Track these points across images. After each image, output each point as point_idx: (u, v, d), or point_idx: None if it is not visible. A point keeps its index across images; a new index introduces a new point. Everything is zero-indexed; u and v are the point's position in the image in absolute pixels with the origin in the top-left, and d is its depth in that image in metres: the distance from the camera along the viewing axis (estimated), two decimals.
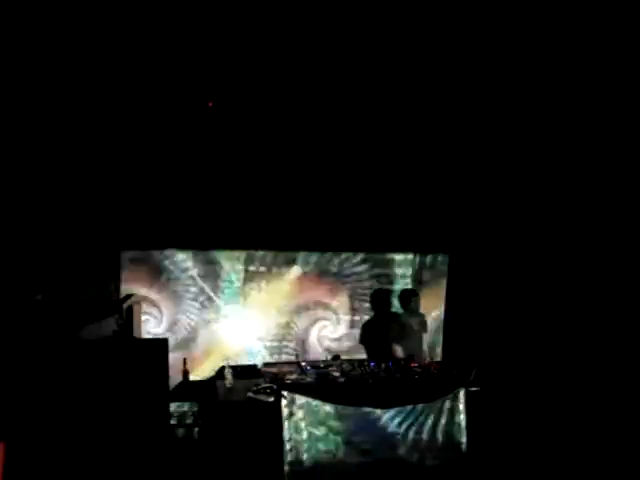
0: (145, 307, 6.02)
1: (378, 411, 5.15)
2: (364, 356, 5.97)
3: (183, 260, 6.35)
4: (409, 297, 6.34)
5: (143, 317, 5.93)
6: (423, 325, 6.40)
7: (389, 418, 5.19)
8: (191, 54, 4.96)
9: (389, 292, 6.71)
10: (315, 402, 5.06)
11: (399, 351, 6.01)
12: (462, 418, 5.33)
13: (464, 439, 5.32)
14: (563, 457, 5.38)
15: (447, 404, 5.32)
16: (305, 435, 5.00)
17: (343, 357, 6.39)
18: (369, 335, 6.55)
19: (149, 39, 4.76)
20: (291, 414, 4.99)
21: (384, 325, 6.37)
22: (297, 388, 5.15)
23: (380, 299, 6.67)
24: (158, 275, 6.25)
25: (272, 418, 5.01)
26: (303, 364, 5.79)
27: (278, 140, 6.09)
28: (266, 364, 6.00)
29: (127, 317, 5.76)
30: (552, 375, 5.80)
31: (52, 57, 4.77)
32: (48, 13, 4.34)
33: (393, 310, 6.58)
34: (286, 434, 4.95)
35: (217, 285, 6.39)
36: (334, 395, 5.15)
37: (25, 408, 4.44)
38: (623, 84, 4.98)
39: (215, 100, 5.58)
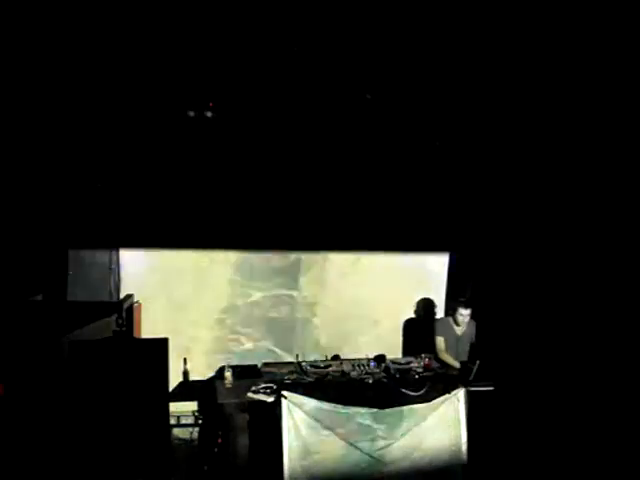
0: None
1: (378, 411, 5.14)
2: (364, 356, 5.95)
3: None
4: (456, 308, 6.12)
5: None
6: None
7: (389, 418, 5.18)
8: (188, 55, 4.96)
9: (432, 302, 6.98)
10: (315, 402, 5.05)
11: (448, 357, 5.97)
12: (462, 418, 5.33)
13: (464, 439, 5.31)
14: (564, 458, 5.38)
15: (447, 404, 5.31)
16: (305, 435, 4.99)
17: (343, 357, 6.39)
18: (412, 331, 6.87)
19: (148, 40, 4.76)
20: (291, 414, 4.99)
21: (428, 327, 6.38)
22: (297, 388, 5.15)
23: (425, 306, 6.96)
24: None
25: (272, 418, 5.01)
26: (303, 364, 5.79)
27: (275, 139, 6.09)
28: (266, 364, 6.00)
29: (127, 317, 5.77)
30: (554, 375, 5.79)
31: (51, 58, 4.77)
32: (49, 14, 4.35)
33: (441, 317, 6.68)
34: (286, 434, 4.95)
35: None
36: (334, 395, 5.14)
37: (25, 408, 4.44)
38: (623, 84, 4.97)
39: (214, 102, 5.59)
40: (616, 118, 5.20)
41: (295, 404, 4.99)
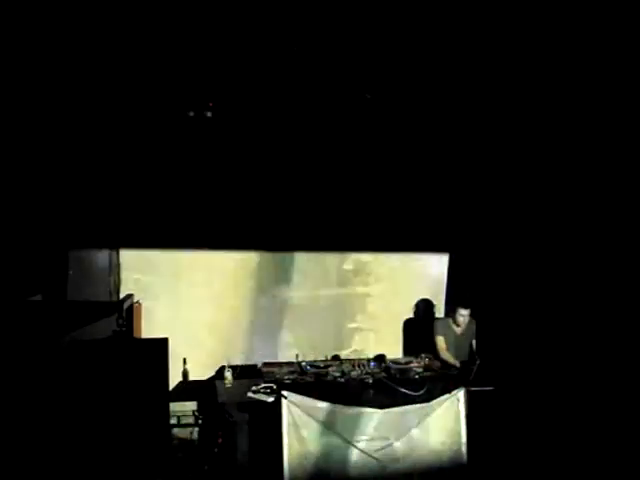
0: None
1: (378, 411, 5.14)
2: (364, 356, 5.97)
3: None
4: (455, 309, 6.14)
5: None
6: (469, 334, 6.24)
7: (389, 418, 5.17)
8: (188, 55, 4.96)
9: (431, 302, 7.00)
10: (315, 402, 5.05)
11: (448, 356, 5.97)
12: (462, 418, 5.33)
13: (464, 439, 5.31)
14: (564, 458, 5.38)
15: (447, 404, 5.31)
16: (305, 435, 4.99)
17: (343, 357, 6.40)
18: (412, 331, 6.90)
19: (149, 41, 4.76)
20: (291, 414, 4.98)
21: (428, 327, 6.37)
22: (297, 388, 5.15)
23: (424, 307, 6.99)
24: None
25: (272, 418, 5.01)
26: (303, 364, 5.79)
27: (274, 139, 6.09)
28: (266, 364, 6.00)
29: (127, 317, 5.77)
30: (554, 375, 5.79)
31: (49, 58, 4.77)
32: (49, 14, 4.34)
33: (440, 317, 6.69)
34: (286, 434, 4.94)
35: None
36: (334, 395, 5.14)
37: (25, 408, 4.44)
38: (623, 84, 4.97)
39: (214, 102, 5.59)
40: (615, 118, 5.20)
41: (295, 404, 4.99)
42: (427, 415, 5.24)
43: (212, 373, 6.28)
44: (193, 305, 6.38)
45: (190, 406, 6.22)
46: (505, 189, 6.48)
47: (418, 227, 6.82)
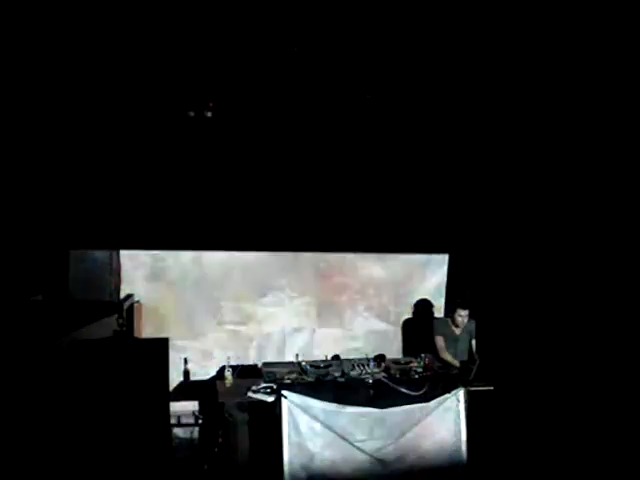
0: None
1: (378, 411, 5.14)
2: (364, 356, 5.96)
3: None
4: (454, 309, 6.13)
5: None
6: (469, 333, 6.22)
7: (389, 418, 5.18)
8: (187, 55, 4.97)
9: (430, 302, 7.06)
10: (315, 402, 5.06)
11: (448, 356, 5.97)
12: (462, 418, 5.33)
13: (464, 439, 5.31)
14: (564, 457, 5.39)
15: (447, 404, 5.31)
16: (305, 435, 5.00)
17: (343, 357, 6.40)
18: (411, 331, 6.98)
19: (149, 42, 4.77)
20: (291, 414, 4.99)
21: (427, 327, 6.37)
22: (297, 388, 5.15)
23: (424, 307, 7.04)
24: None
25: (272, 418, 5.01)
26: (303, 364, 5.79)
27: (275, 139, 6.09)
28: (266, 364, 6.00)
29: (127, 317, 5.77)
30: (553, 374, 5.80)
31: (50, 59, 4.77)
32: (50, 14, 4.35)
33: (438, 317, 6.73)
34: (286, 434, 4.95)
35: None
36: (334, 395, 5.15)
37: (25, 408, 4.44)
38: (623, 84, 4.98)
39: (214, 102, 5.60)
40: (615, 118, 5.20)
41: (295, 404, 5.00)
42: (427, 415, 5.24)
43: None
44: None
45: (190, 406, 6.22)
46: (505, 190, 6.48)
47: (418, 228, 6.82)
